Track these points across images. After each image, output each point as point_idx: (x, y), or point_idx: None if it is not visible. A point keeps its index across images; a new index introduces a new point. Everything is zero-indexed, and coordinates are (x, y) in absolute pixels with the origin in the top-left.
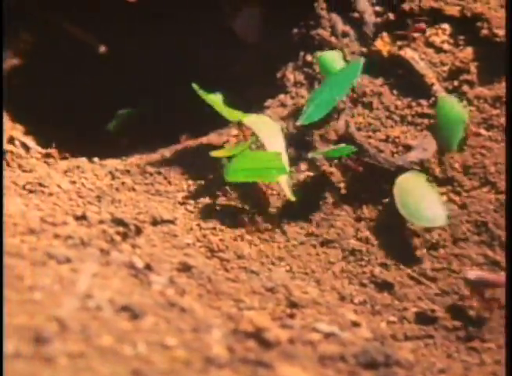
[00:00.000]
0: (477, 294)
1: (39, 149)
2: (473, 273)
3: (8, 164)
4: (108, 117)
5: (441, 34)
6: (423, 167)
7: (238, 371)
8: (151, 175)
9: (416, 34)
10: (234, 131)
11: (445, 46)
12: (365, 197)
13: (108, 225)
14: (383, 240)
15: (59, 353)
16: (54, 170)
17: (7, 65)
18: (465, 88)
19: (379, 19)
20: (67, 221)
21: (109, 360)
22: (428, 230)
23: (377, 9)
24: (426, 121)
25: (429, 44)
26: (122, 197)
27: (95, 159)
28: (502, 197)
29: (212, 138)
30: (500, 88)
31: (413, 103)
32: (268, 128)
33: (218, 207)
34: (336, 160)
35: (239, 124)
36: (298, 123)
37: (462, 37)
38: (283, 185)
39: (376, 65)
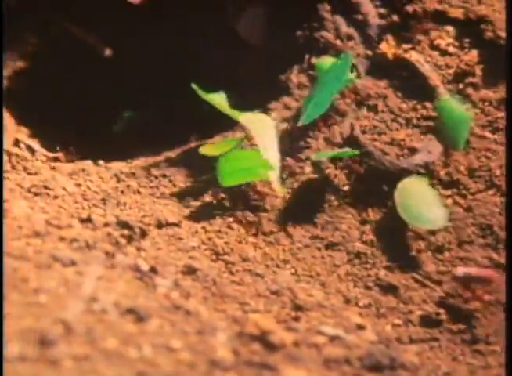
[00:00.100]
0: (466, 289)
1: (44, 151)
2: (460, 270)
3: (13, 167)
4: (113, 118)
5: (445, 37)
6: (428, 170)
7: (243, 374)
8: (156, 177)
9: (420, 37)
10: (239, 134)
11: (450, 49)
12: (370, 199)
13: (113, 228)
14: (388, 243)
15: (64, 356)
16: (59, 173)
17: (12, 67)
18: (470, 90)
19: (383, 22)
20: (72, 224)
21: (114, 363)
22: (432, 233)
23: (381, 11)
24: (431, 123)
25: (434, 46)
26: (127, 200)
27: (101, 162)
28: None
29: (217, 140)
30: (505, 91)
31: (418, 106)
32: (261, 126)
33: (223, 210)
34: (341, 163)
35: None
36: (299, 124)
37: (466, 40)
38: (272, 181)
39: (380, 67)
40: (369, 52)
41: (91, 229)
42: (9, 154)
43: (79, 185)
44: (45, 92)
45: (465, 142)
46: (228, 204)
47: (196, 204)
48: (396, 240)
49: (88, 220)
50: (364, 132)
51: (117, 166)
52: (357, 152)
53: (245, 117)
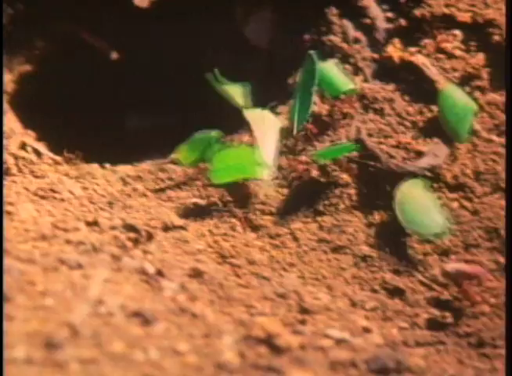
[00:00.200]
0: (456, 285)
1: (51, 155)
2: (450, 266)
3: (20, 170)
4: (120, 122)
5: (452, 40)
6: (434, 173)
7: None
8: (162, 180)
9: (427, 40)
10: (246, 137)
11: (457, 52)
12: (376, 203)
13: (119, 231)
14: (394, 246)
15: (70, 359)
16: (66, 176)
17: (19, 71)
18: (477, 94)
19: (390, 25)
20: (79, 227)
21: (120, 366)
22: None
23: (389, 15)
24: (437, 127)
25: (440, 50)
26: (134, 203)
27: (107, 165)
28: None
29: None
30: (506, 91)
31: (425, 109)
32: (264, 123)
33: (229, 213)
34: (347, 166)
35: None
36: (294, 133)
37: (473, 44)
38: (264, 180)
39: (387, 71)
40: (376, 56)
41: (98, 232)
42: (16, 158)
43: (86, 188)
44: (51, 96)
45: (468, 134)
46: (235, 207)
47: (203, 207)
48: (402, 243)
49: (95, 223)
50: (370, 135)
51: (124, 169)
52: (355, 146)
53: (250, 113)
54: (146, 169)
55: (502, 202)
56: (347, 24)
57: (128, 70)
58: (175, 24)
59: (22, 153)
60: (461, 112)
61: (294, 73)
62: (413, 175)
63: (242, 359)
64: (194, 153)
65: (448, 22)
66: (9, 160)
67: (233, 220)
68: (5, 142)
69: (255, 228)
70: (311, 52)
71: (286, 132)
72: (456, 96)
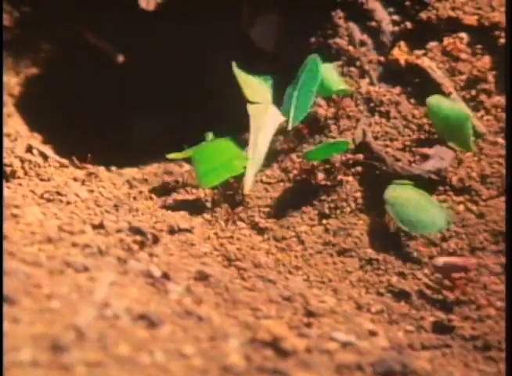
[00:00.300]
0: (445, 278)
1: (57, 158)
2: (440, 260)
3: (26, 173)
4: (126, 125)
5: (458, 43)
6: (440, 176)
7: None
8: (168, 183)
9: (433, 43)
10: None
11: (463, 55)
12: (382, 206)
13: (125, 234)
14: (400, 249)
15: (76, 362)
16: (72, 179)
17: (25, 74)
18: (482, 97)
19: (396, 28)
20: (85, 230)
21: (126, 369)
22: (445, 239)
23: (395, 17)
24: None
25: (446, 53)
26: (140, 206)
27: (113, 168)
28: None
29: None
30: (507, 93)
31: None
32: (264, 117)
33: (235, 216)
34: (353, 169)
35: None
36: (289, 128)
37: (479, 47)
38: (246, 175)
39: (393, 74)
40: (382, 59)
41: (104, 235)
42: (22, 160)
43: (92, 191)
44: (58, 99)
45: (472, 140)
46: (241, 211)
47: (208, 209)
48: (408, 246)
49: (101, 226)
50: (376, 138)
51: (130, 172)
52: (348, 145)
53: (253, 107)
54: (152, 172)
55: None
56: (353, 27)
57: (134, 73)
58: (181, 27)
59: (28, 156)
60: (456, 123)
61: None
62: (419, 178)
63: (248, 362)
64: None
65: (454, 25)
66: (15, 163)
67: (239, 223)
68: (11, 144)
69: (261, 231)
70: (316, 54)
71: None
72: (447, 107)
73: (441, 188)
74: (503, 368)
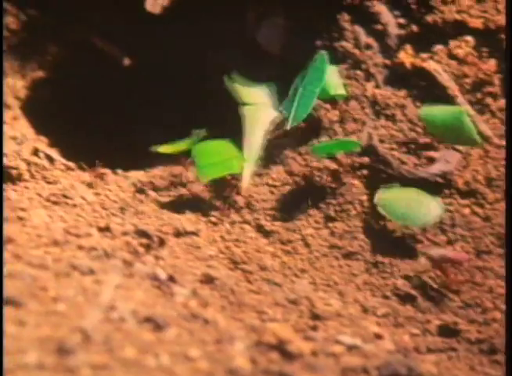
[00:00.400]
0: (440, 270)
1: (63, 161)
2: (435, 251)
3: (32, 176)
4: (132, 128)
5: (464, 46)
6: (445, 179)
7: None
8: (174, 186)
9: (439, 46)
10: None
11: (469, 58)
12: None
13: (131, 237)
14: (405, 253)
15: (82, 364)
16: (78, 182)
17: (31, 77)
18: (488, 100)
19: (402, 32)
20: (91, 232)
21: (132, 372)
22: (451, 243)
23: (401, 21)
24: None
25: (452, 56)
26: (145, 209)
27: (119, 171)
28: None
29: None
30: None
31: None
32: (256, 118)
33: (241, 219)
34: (359, 172)
35: None
36: (287, 127)
37: (485, 50)
38: (243, 175)
39: (399, 77)
40: (388, 62)
41: (110, 238)
42: (29, 163)
43: (98, 194)
44: (64, 102)
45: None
46: (247, 214)
47: (214, 213)
48: (414, 249)
49: (107, 229)
50: (382, 141)
51: (136, 175)
52: (357, 144)
53: (246, 108)
54: (157, 175)
55: None
56: (359, 30)
57: (140, 76)
58: (186, 30)
59: (34, 159)
60: (454, 122)
61: None
62: (425, 181)
63: (253, 365)
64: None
65: (460, 28)
66: (21, 166)
67: (245, 226)
68: (17, 147)
69: (267, 234)
70: (324, 52)
71: (279, 126)
72: (439, 112)
73: (446, 191)
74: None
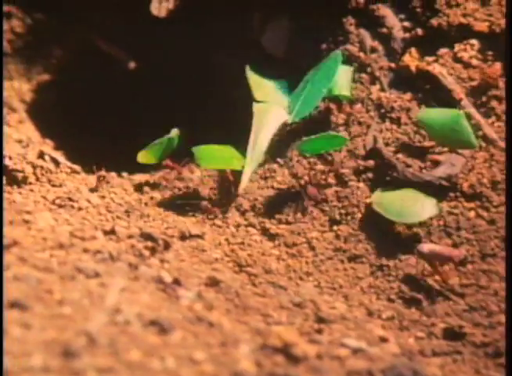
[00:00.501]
0: (430, 266)
1: (69, 164)
2: (426, 246)
3: (37, 179)
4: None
5: (469, 50)
6: (450, 182)
7: None
8: (179, 189)
9: (444, 49)
10: None
11: (474, 62)
12: None
13: (137, 240)
14: (410, 256)
15: (87, 367)
16: (83, 185)
17: (37, 80)
18: (493, 103)
19: (407, 35)
20: (96, 235)
21: (137, 375)
22: (455, 245)
23: (406, 24)
24: None
25: (457, 59)
26: (151, 212)
27: (124, 174)
28: None
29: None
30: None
31: None
32: (267, 116)
33: (246, 222)
34: (364, 176)
35: None
36: (290, 121)
37: (490, 53)
38: (244, 172)
39: (404, 80)
40: (393, 65)
41: (115, 241)
42: (34, 166)
43: (103, 197)
44: (69, 105)
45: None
46: (252, 217)
47: (220, 215)
48: (419, 252)
49: (112, 232)
50: (387, 145)
51: (141, 178)
52: (343, 140)
53: (257, 105)
54: (163, 177)
55: None
56: (364, 34)
57: (146, 79)
58: (192, 33)
59: (40, 162)
60: (452, 125)
61: None
62: (430, 184)
63: (258, 368)
64: (156, 154)
65: (465, 31)
66: (27, 169)
67: (250, 229)
68: (23, 150)
69: (272, 237)
70: (339, 51)
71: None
72: (437, 115)
73: (451, 194)
74: None
